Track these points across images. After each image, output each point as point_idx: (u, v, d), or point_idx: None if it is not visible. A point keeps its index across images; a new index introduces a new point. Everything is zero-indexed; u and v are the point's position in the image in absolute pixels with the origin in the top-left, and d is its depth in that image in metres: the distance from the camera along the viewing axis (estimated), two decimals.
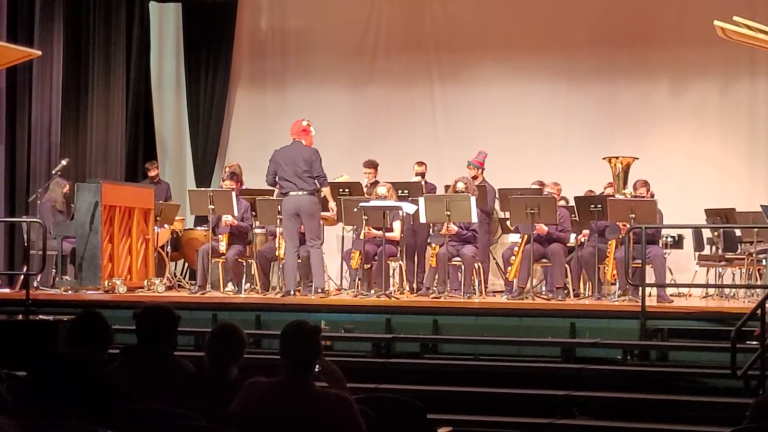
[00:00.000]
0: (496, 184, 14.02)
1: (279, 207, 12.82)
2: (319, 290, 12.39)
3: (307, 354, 5.16)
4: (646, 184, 12.89)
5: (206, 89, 17.22)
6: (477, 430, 8.55)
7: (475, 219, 12.58)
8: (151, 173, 15.72)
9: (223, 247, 13.27)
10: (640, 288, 10.98)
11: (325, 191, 12.81)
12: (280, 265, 13.43)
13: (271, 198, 13.69)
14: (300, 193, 12.36)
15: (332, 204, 12.98)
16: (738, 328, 9.14)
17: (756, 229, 12.78)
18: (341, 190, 13.78)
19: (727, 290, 13.23)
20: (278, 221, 12.87)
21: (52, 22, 15.03)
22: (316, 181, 12.43)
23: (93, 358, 5.42)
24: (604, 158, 13.32)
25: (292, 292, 12.43)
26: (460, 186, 12.93)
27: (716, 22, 10.81)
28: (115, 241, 13.44)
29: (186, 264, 15.41)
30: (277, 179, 12.59)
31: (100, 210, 13.09)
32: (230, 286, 13.45)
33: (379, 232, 12.79)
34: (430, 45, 16.80)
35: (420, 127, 16.61)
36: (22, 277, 13.12)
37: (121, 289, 13.00)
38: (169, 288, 13.93)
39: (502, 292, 13.54)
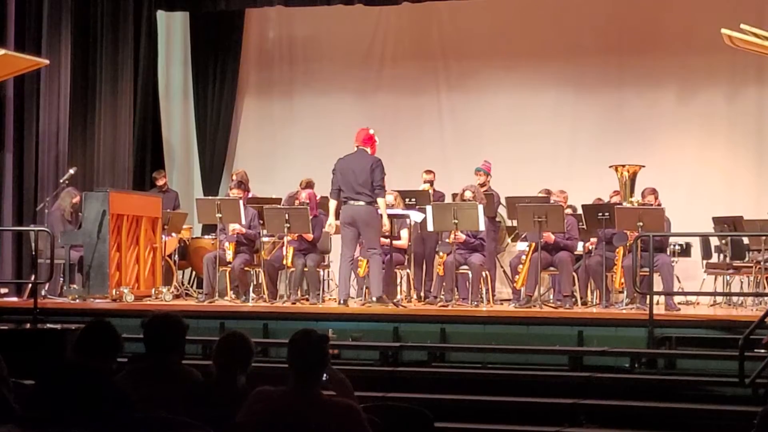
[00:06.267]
0: (503, 192, 14.04)
1: (286, 215, 12.83)
2: (374, 299, 12.16)
3: (315, 362, 5.16)
4: (654, 192, 12.89)
5: (214, 98, 17.26)
6: None
7: (482, 227, 12.58)
8: (159, 182, 15.74)
9: (230, 255, 13.28)
10: (648, 296, 10.98)
11: (381, 203, 12.38)
12: (288, 273, 13.45)
13: (278, 206, 13.71)
14: (359, 203, 12.20)
15: (386, 219, 12.49)
16: (746, 337, 9.12)
17: (764, 237, 12.77)
18: None
19: (735, 298, 13.24)
20: (286, 229, 12.88)
21: (60, 31, 15.05)
22: (374, 191, 12.20)
23: (101, 367, 5.42)
24: (610, 166, 13.33)
25: (345, 302, 12.26)
26: (468, 194, 12.93)
27: (723, 30, 10.81)
28: (122, 250, 13.46)
29: (193, 272, 15.43)
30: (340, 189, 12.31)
31: (107, 219, 13.10)
32: (230, 294, 13.42)
33: (387, 240, 12.80)
34: (437, 53, 16.83)
35: (427, 135, 16.63)
36: (29, 285, 13.14)
37: (128, 298, 13.01)
38: (177, 297, 13.95)
39: (509, 300, 13.54)
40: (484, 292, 12.85)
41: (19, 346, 9.63)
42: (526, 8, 16.27)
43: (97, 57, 15.64)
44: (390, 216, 12.62)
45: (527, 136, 16.04)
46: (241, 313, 12.16)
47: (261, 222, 13.52)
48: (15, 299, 13.64)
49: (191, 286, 15.00)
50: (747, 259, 13.52)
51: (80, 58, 15.44)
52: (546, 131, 16.13)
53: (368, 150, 12.39)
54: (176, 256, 14.83)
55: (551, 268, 12.92)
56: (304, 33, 17.39)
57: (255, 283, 13.64)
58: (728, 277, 13.66)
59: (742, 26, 10.80)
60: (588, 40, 16.19)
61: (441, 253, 13.05)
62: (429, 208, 12.77)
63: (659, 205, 12.75)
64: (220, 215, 13.16)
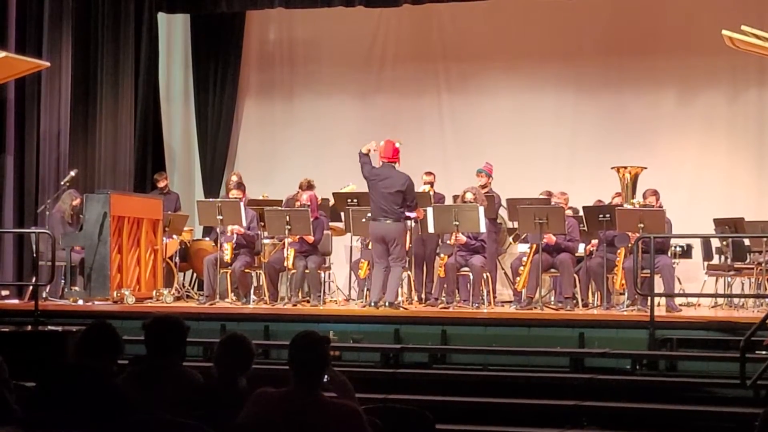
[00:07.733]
0: (504, 193, 14.04)
1: (287, 217, 12.81)
2: (386, 304, 12.14)
3: (316, 364, 5.16)
4: (655, 193, 12.87)
5: (214, 100, 17.25)
6: None
7: (483, 229, 12.57)
8: (160, 184, 15.72)
9: (227, 255, 13.19)
10: (649, 298, 10.97)
11: (412, 215, 12.73)
12: (288, 275, 13.44)
13: (279, 208, 13.71)
14: (387, 221, 12.22)
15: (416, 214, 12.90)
16: (747, 338, 9.13)
17: (765, 239, 12.76)
18: (349, 200, 13.79)
19: (736, 300, 13.21)
20: (287, 231, 12.88)
21: (61, 34, 15.05)
22: (406, 210, 12.32)
23: (103, 368, 5.43)
24: (612, 168, 13.32)
25: (376, 304, 12.21)
26: (469, 196, 12.92)
27: (724, 32, 10.81)
28: (123, 252, 13.46)
29: (194, 274, 15.42)
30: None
31: (108, 221, 13.11)
32: (231, 296, 13.40)
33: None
34: (437, 55, 16.81)
35: (428, 137, 16.61)
36: (31, 287, 13.14)
37: (129, 300, 13.02)
38: (178, 298, 13.94)
39: (510, 302, 13.53)
40: (485, 293, 12.84)
41: (20, 348, 9.63)
42: (526, 10, 16.24)
43: (98, 59, 15.63)
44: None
45: (528, 138, 16.03)
46: (242, 315, 12.15)
47: (261, 224, 13.51)
48: (16, 301, 13.65)
49: (192, 288, 14.99)
50: (748, 260, 13.52)
51: (81, 61, 15.43)
52: (547, 133, 16.12)
53: (396, 165, 12.44)
54: (177, 258, 14.82)
55: (552, 270, 12.92)
56: (305, 35, 17.38)
57: (256, 285, 13.63)
58: (729, 278, 13.66)
59: (743, 27, 10.80)
60: (588, 42, 16.17)
61: (442, 255, 13.05)
62: (430, 210, 12.77)
63: (660, 206, 12.74)
64: (221, 217, 13.15)
